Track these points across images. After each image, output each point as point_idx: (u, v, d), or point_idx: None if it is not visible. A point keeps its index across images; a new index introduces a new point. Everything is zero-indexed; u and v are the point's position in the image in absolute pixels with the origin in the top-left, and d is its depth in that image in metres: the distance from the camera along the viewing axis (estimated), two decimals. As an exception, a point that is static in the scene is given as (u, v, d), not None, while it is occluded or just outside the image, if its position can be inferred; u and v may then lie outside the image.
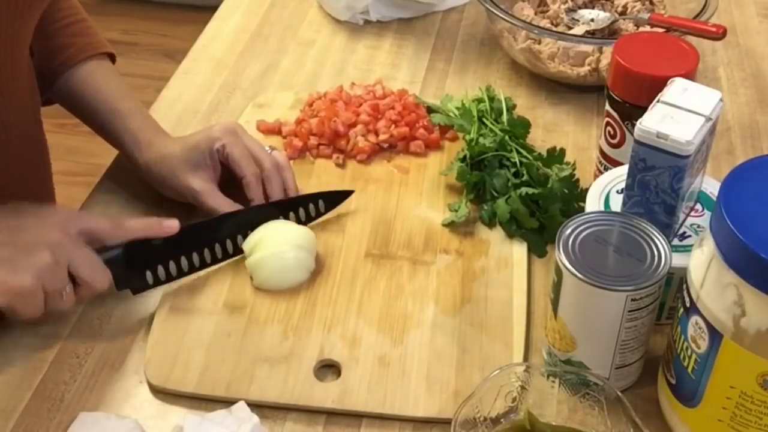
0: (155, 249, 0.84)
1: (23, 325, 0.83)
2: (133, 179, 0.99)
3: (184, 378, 0.78)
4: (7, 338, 0.82)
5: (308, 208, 0.92)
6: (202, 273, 0.87)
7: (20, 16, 0.84)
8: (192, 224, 0.86)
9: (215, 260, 0.88)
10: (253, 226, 0.87)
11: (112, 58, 1.02)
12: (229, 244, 0.88)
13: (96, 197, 0.98)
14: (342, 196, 0.94)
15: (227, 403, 0.75)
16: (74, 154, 2.27)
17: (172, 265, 0.85)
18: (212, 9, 1.31)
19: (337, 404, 0.76)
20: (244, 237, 0.88)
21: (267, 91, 1.13)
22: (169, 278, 0.85)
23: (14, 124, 0.90)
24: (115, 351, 0.81)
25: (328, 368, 0.80)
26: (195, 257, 0.86)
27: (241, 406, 0.75)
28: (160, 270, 0.84)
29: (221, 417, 0.74)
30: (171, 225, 0.84)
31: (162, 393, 0.77)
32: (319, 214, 0.93)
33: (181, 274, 0.86)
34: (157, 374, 0.78)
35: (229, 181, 0.93)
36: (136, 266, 0.83)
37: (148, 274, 0.84)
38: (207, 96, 1.11)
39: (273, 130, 1.04)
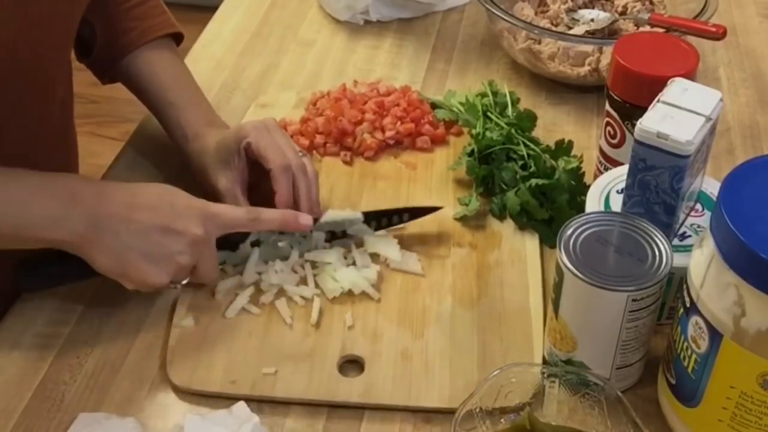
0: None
1: (24, 325, 0.83)
2: (134, 180, 0.99)
3: (207, 378, 0.78)
4: (7, 338, 0.82)
5: (392, 218, 0.90)
6: None
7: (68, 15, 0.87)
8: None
9: None
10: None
11: (177, 37, 1.02)
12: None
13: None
14: (428, 210, 0.91)
15: (235, 400, 0.76)
16: (74, 154, 2.27)
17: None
18: (212, 9, 1.31)
19: (363, 398, 0.76)
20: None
21: (267, 92, 1.13)
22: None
23: (49, 125, 0.91)
24: (116, 351, 0.81)
25: (352, 364, 0.80)
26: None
27: (241, 406, 0.75)
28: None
29: (221, 417, 0.74)
30: (307, 222, 0.85)
31: (181, 393, 0.78)
32: (400, 222, 0.91)
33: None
34: (180, 375, 0.78)
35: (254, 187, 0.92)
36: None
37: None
38: (207, 96, 1.10)
39: (278, 129, 1.05)
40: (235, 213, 0.83)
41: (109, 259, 0.78)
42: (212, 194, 0.89)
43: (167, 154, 1.02)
